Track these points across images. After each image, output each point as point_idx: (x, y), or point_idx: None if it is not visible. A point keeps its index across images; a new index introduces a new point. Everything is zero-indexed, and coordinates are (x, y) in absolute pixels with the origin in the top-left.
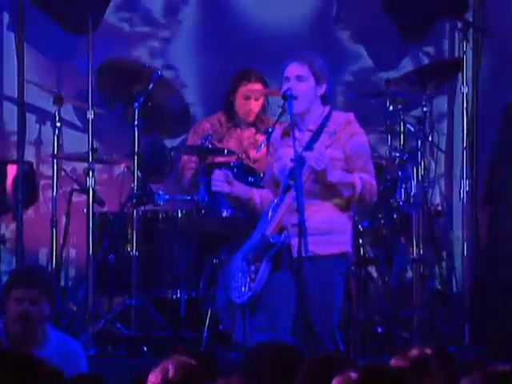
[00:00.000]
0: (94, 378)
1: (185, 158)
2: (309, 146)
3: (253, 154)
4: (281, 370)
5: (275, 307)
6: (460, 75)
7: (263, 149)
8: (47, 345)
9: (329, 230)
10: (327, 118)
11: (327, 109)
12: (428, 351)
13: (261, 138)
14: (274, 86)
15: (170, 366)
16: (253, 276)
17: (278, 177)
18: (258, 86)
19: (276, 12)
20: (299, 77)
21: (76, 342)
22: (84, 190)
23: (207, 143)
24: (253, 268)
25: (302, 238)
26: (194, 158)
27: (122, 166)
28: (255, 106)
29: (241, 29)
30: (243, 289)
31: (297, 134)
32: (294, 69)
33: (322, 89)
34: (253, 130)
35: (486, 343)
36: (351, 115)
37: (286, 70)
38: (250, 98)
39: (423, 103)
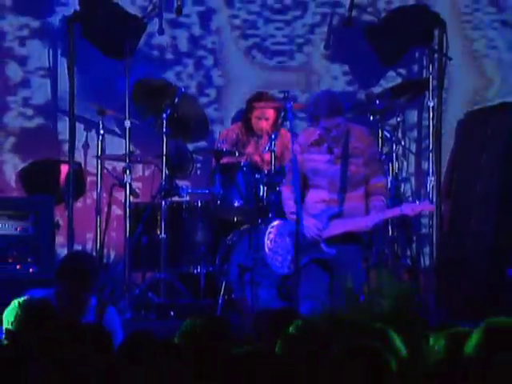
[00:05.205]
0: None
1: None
2: (344, 167)
3: (266, 157)
4: (277, 330)
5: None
6: (427, 92)
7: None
8: (89, 311)
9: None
10: (347, 133)
11: (343, 120)
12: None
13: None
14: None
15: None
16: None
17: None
18: (270, 106)
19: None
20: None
21: (111, 306)
22: (122, 185)
23: (222, 146)
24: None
25: (298, 229)
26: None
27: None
28: (265, 125)
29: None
30: (283, 263)
31: (325, 139)
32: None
33: None
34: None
35: (448, 308)
36: (366, 129)
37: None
38: (261, 119)
39: (397, 114)
